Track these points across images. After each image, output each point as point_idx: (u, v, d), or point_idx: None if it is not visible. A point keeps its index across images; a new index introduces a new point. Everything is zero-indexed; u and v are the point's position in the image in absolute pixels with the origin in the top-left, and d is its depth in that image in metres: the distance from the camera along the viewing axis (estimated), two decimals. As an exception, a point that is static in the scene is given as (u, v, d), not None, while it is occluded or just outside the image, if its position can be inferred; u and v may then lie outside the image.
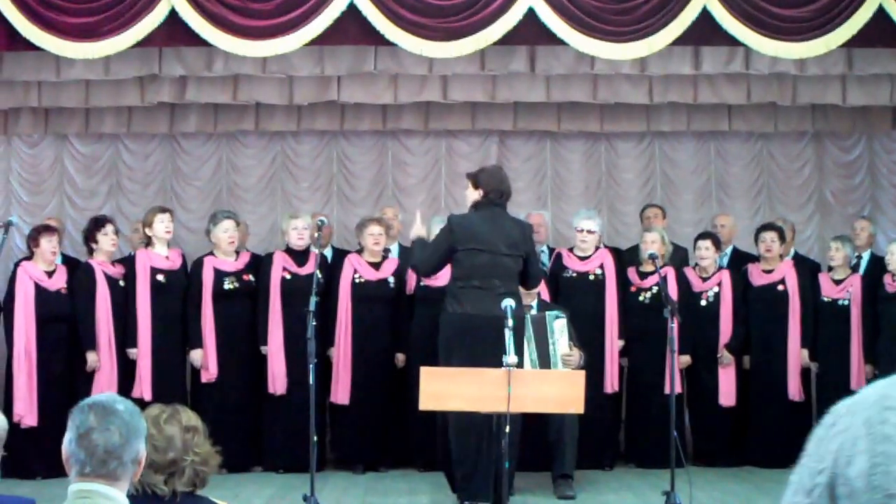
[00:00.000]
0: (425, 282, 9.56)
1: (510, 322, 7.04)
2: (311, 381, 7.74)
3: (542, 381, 7.32)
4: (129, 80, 10.43)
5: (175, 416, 3.69)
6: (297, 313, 8.62)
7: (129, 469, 3.11)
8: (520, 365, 7.52)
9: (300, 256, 9.88)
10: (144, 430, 3.20)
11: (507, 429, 6.86)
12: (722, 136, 12.38)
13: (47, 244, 9.62)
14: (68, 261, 10.36)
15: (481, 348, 7.54)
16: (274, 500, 8.69)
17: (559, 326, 8.81)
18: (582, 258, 9.99)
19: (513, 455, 7.39)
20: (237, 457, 9.40)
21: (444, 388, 7.06)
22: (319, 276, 8.53)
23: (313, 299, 7.92)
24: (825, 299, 10.11)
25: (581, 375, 7.25)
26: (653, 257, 9.01)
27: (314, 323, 7.82)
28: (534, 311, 8.77)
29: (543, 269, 9.49)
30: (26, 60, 10.01)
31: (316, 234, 9.15)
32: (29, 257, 9.89)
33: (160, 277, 9.66)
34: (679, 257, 10.58)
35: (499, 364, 6.94)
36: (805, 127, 11.97)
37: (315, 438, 7.73)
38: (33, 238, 9.71)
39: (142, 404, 3.50)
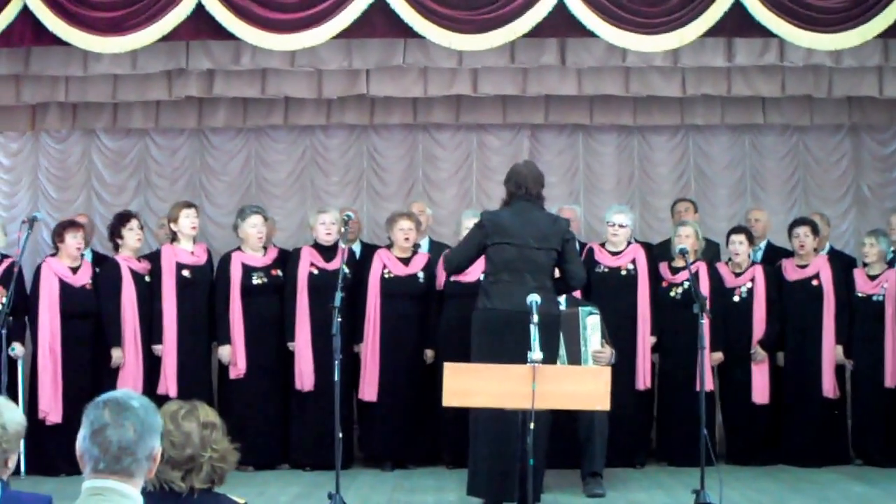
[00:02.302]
0: (455, 277, 9.48)
1: (535, 317, 6.96)
2: (335, 378, 7.69)
3: (568, 378, 7.19)
4: (156, 74, 10.40)
5: (193, 413, 3.68)
6: (325, 309, 8.52)
7: (144, 466, 3.10)
8: (552, 361, 7.43)
9: (328, 252, 9.80)
10: (160, 426, 3.18)
11: (532, 426, 6.76)
12: (757, 129, 12.25)
13: (72, 240, 9.57)
14: (98, 257, 10.33)
15: (510, 345, 7.45)
16: (300, 499, 8.62)
17: (592, 322, 8.71)
18: (614, 253, 9.88)
19: (540, 453, 7.29)
20: (264, 454, 9.42)
21: (468, 385, 6.96)
22: (346, 271, 8.48)
23: (338, 295, 7.88)
24: (860, 295, 9.96)
25: (607, 372, 7.15)
26: (683, 252, 8.86)
27: (339, 319, 7.78)
28: (563, 307, 8.66)
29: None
30: (53, 55, 9.99)
31: (343, 229, 9.07)
32: (54, 253, 9.85)
33: (186, 273, 9.62)
34: (711, 252, 10.47)
35: (527, 360, 6.84)
36: (841, 120, 11.83)
37: (340, 435, 7.69)
38: (58, 234, 9.67)
39: (167, 401, 3.55)
